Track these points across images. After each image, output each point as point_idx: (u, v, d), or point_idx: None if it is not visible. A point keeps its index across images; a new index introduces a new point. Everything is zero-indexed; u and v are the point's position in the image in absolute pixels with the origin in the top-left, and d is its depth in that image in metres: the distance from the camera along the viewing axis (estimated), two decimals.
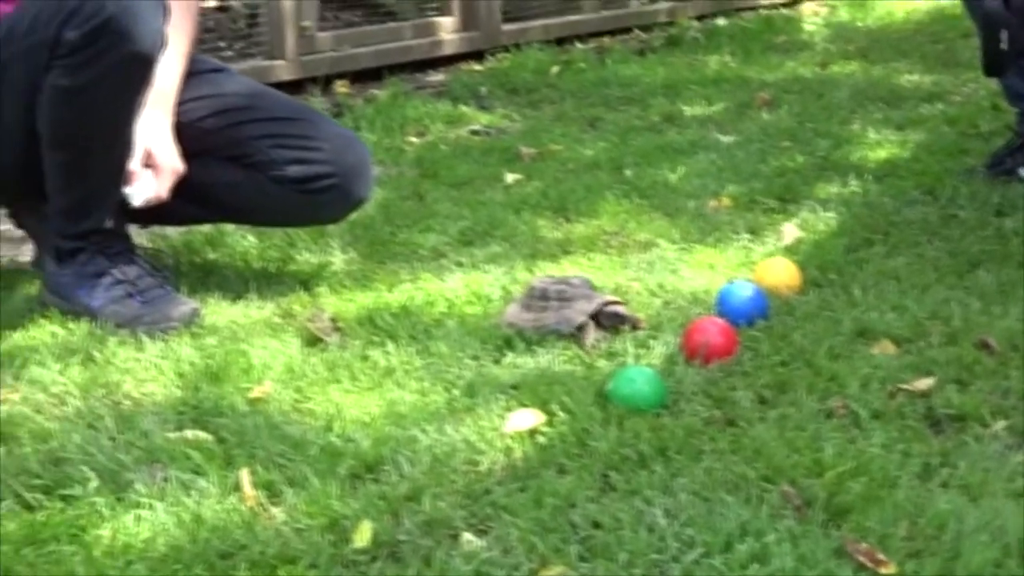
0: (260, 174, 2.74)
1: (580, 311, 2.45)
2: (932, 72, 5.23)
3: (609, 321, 2.47)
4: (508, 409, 2.18)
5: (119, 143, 2.59)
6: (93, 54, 2.45)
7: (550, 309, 2.46)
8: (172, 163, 2.67)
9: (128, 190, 2.64)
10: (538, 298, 2.49)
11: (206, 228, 3.16)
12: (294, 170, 2.72)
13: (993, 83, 3.83)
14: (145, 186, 2.65)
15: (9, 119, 2.56)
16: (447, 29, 5.50)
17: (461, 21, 5.53)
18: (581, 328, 2.44)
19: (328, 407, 2.21)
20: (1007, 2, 3.39)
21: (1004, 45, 3.42)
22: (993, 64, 3.50)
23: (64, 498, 1.92)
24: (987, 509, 1.83)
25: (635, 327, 2.49)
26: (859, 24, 6.51)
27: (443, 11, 5.51)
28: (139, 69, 2.50)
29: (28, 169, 2.60)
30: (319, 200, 2.76)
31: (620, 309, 2.50)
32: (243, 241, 3.11)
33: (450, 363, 2.39)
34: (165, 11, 2.50)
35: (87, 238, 2.66)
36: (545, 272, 2.85)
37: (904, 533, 1.78)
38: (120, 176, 2.62)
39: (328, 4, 5.44)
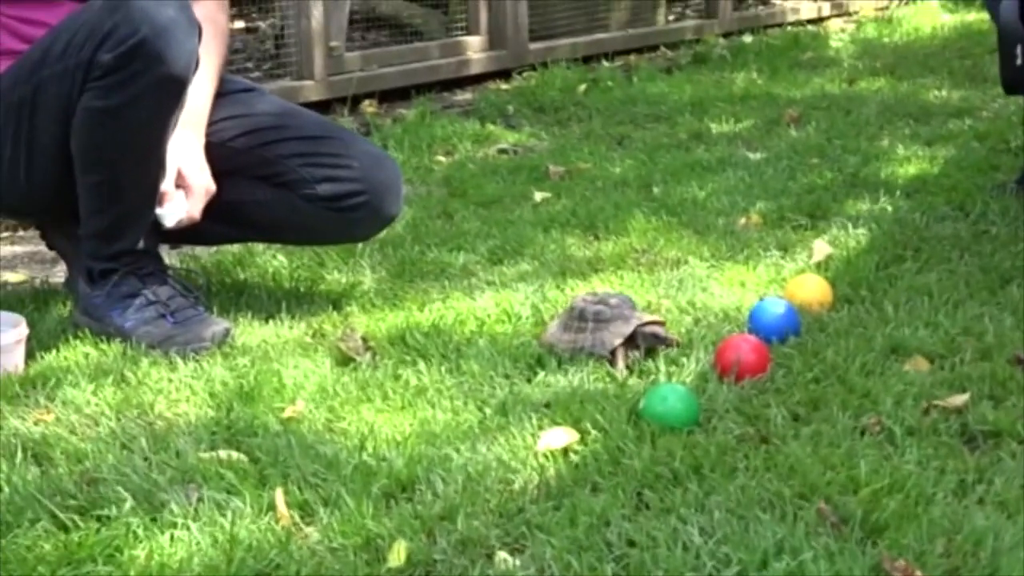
0: (291, 193, 2.75)
1: (617, 333, 2.44)
2: (960, 88, 5.23)
3: (647, 342, 2.46)
4: (541, 427, 2.18)
5: (152, 164, 2.60)
6: (127, 76, 2.46)
7: (587, 331, 2.46)
8: (204, 183, 2.68)
9: (160, 211, 2.65)
10: (577, 319, 2.48)
11: (236, 248, 3.17)
12: (325, 188, 2.73)
13: (1022, 98, 3.82)
14: (177, 207, 2.66)
15: (43, 141, 2.57)
16: (474, 48, 5.52)
17: (488, 40, 5.55)
18: (615, 352, 2.43)
19: (361, 426, 2.22)
20: None
21: (1020, 60, 3.37)
22: (1011, 80, 3.44)
23: (99, 519, 1.92)
24: None
25: (672, 346, 2.48)
26: (885, 40, 6.50)
27: (470, 30, 5.53)
28: (172, 90, 2.52)
29: (61, 191, 2.62)
30: (350, 218, 2.76)
31: (659, 330, 2.48)
32: (273, 261, 3.12)
33: (482, 382, 2.39)
34: (198, 33, 2.51)
35: (119, 259, 2.67)
36: (575, 290, 2.85)
37: (941, 550, 1.77)
38: (153, 197, 2.63)
39: (355, 24, 5.47)
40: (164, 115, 2.55)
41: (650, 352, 2.46)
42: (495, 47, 5.50)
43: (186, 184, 2.66)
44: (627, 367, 2.41)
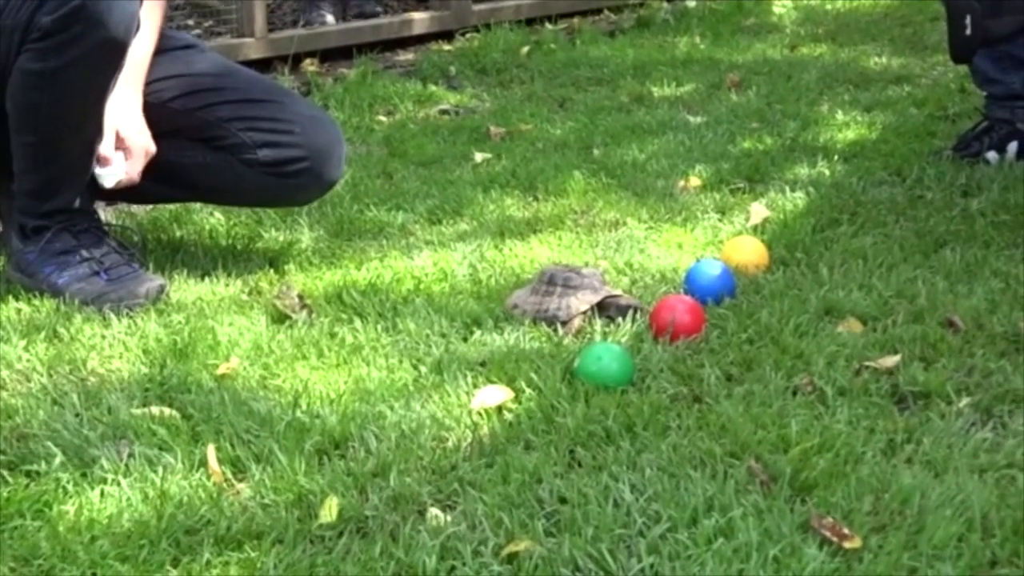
0: (231, 157, 2.73)
1: (584, 300, 2.44)
2: (900, 55, 5.25)
3: (618, 313, 2.45)
4: (475, 386, 2.19)
5: (90, 126, 2.57)
6: (67, 39, 2.43)
7: (554, 295, 2.46)
8: (143, 144, 2.66)
9: (99, 172, 2.62)
10: (546, 283, 2.48)
11: (173, 205, 3.15)
12: (265, 153, 2.71)
13: (961, 66, 3.84)
14: (116, 168, 2.63)
15: None
16: (417, 8, 5.48)
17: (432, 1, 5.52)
18: (573, 318, 2.43)
19: (295, 383, 2.21)
20: None
21: (968, 31, 3.43)
22: (959, 50, 3.50)
23: (29, 474, 1.92)
24: (951, 484, 1.85)
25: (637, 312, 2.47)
26: (828, 7, 6.52)
27: None
28: (112, 54, 2.49)
29: None
30: (291, 183, 2.74)
31: (632, 301, 2.48)
32: (210, 219, 3.10)
33: (418, 340, 2.39)
34: None
35: (53, 216, 2.64)
36: (513, 251, 2.85)
37: (869, 508, 1.79)
38: (90, 159, 2.60)
39: None
40: (103, 79, 2.53)
41: (612, 321, 2.45)
42: (439, 8, 5.47)
43: (125, 145, 2.64)
44: (575, 334, 2.41)
